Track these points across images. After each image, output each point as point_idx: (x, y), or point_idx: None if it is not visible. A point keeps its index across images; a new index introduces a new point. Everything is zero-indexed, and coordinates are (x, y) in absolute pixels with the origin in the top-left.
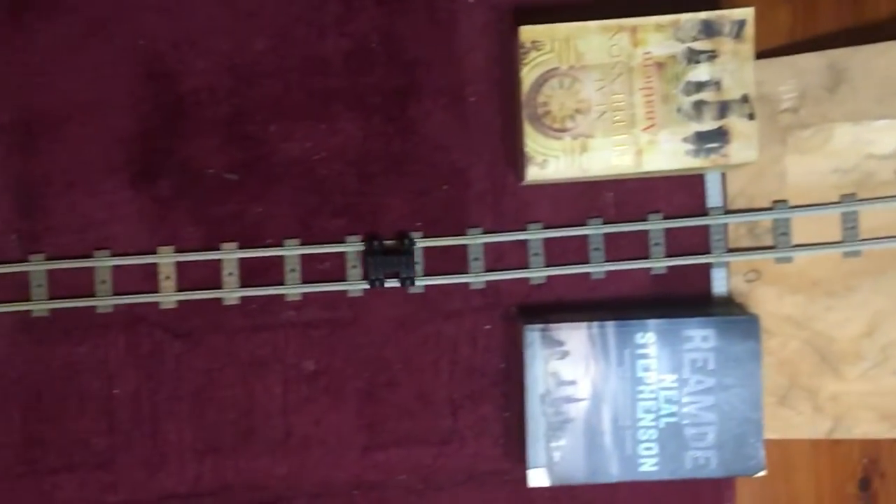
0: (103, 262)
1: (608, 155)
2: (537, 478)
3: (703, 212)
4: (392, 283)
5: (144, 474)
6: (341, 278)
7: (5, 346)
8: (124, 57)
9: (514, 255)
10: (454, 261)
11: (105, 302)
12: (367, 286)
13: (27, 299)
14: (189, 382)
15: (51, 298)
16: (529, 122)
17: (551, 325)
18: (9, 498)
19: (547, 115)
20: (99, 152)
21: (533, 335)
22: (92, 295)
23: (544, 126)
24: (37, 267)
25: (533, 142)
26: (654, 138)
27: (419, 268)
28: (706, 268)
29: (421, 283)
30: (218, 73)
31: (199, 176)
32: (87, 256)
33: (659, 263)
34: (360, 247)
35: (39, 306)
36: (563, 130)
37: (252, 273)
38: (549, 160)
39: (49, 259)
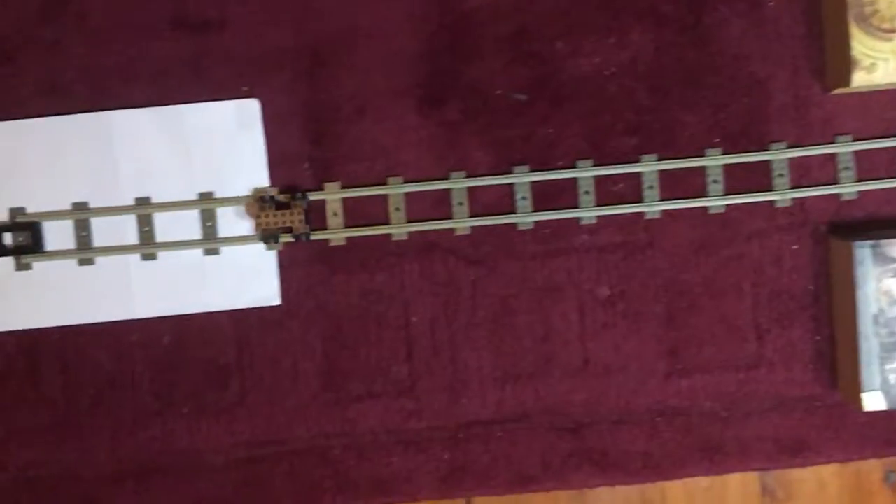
0: (397, 189)
1: None
2: (873, 401)
3: None
4: (287, 238)
5: (446, 401)
6: (637, 200)
7: (304, 276)
8: None
9: (822, 170)
10: (756, 178)
11: (400, 229)
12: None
13: (324, 228)
14: (485, 309)
15: (347, 227)
16: (856, 23)
17: (882, 242)
18: (316, 425)
19: (875, 15)
20: (385, 77)
21: (863, 252)
22: (387, 223)
23: (872, 27)
24: (332, 195)
25: (860, 44)
26: None
27: (719, 187)
28: None
29: (721, 202)
30: None
31: (486, 98)
32: (380, 184)
33: None
34: (656, 166)
35: (336, 235)
36: (894, 31)
37: (545, 196)
38: (878, 63)
39: (343, 187)
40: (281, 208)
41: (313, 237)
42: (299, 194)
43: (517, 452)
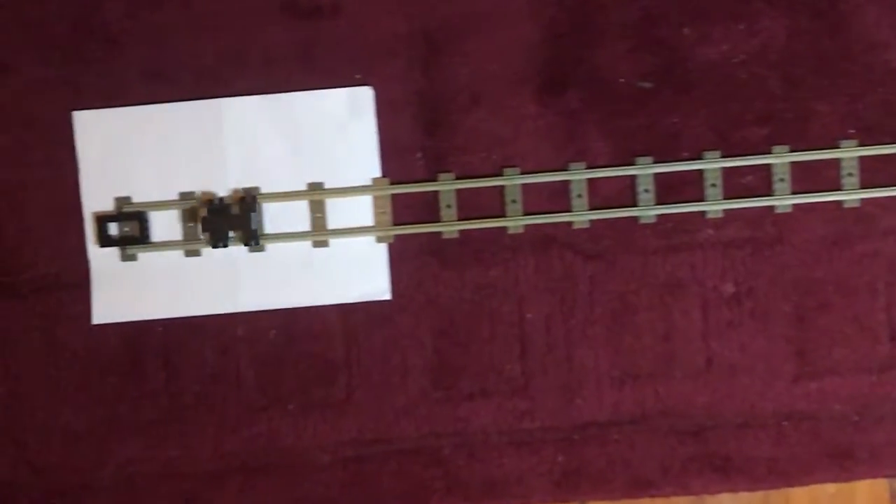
0: (513, 181)
1: None
2: None
3: None
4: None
5: (561, 401)
6: (767, 193)
7: (415, 269)
8: None
9: None
10: (894, 171)
11: (516, 222)
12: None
13: (437, 220)
14: (602, 306)
15: (460, 219)
16: None
17: None
18: (426, 424)
19: None
20: (503, 64)
21: None
22: (502, 215)
23: None
24: (446, 186)
25: None
26: None
27: (854, 180)
28: None
29: (857, 196)
30: None
31: (608, 86)
32: (496, 175)
33: None
34: (788, 158)
35: (450, 227)
36: None
37: (668, 189)
38: None
39: (457, 178)
40: (228, 212)
41: (426, 229)
42: (247, 199)
43: (635, 456)
